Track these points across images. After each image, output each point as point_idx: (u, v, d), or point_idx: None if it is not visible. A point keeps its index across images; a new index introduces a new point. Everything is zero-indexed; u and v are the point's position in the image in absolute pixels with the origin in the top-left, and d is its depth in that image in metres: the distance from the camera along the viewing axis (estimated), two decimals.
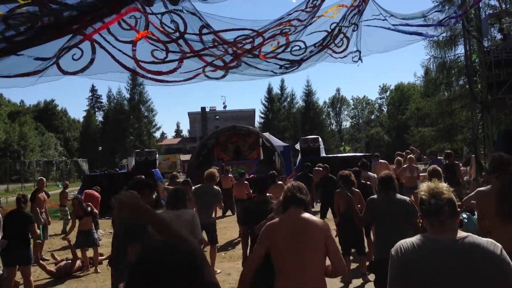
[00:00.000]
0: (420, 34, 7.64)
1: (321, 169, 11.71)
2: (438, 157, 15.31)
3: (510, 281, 2.22)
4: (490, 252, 2.26)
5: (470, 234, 2.42)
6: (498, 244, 2.31)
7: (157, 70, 4.74)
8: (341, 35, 6.69)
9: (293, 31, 5.94)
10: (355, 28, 6.69)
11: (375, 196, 5.43)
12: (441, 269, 2.29)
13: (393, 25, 7.09)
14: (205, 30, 5.05)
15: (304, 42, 6.22)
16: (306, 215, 3.49)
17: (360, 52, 7.12)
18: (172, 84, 5.16)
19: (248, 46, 5.59)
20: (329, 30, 6.30)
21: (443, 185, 2.48)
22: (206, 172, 8.30)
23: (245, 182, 11.89)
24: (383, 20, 6.97)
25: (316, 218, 3.51)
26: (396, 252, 2.47)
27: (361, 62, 7.27)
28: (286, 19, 5.75)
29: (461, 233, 2.39)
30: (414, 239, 2.47)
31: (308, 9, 5.80)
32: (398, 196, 5.20)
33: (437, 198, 2.40)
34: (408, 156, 12.81)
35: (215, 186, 8.19)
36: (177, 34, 4.84)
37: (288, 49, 6.14)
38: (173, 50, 4.89)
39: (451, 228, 2.39)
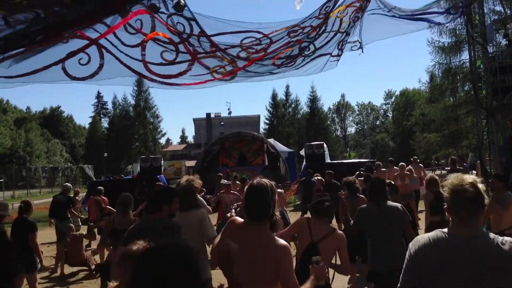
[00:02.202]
0: (425, 20, 7.64)
1: (319, 178, 11.53)
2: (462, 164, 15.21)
3: None
4: (504, 250, 2.24)
5: (487, 231, 2.41)
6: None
7: (167, 74, 4.74)
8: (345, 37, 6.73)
9: (305, 37, 6.01)
10: (356, 20, 6.71)
11: (364, 205, 5.24)
12: (453, 265, 2.30)
13: (399, 14, 7.11)
14: (203, 37, 5.08)
15: (314, 44, 6.26)
16: None
17: (361, 42, 7.13)
18: (182, 87, 5.16)
19: (259, 51, 5.64)
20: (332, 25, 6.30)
21: (468, 181, 2.38)
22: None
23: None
24: (388, 11, 7.01)
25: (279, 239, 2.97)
26: (414, 245, 2.47)
27: (362, 52, 7.26)
28: (301, 26, 5.81)
29: (478, 231, 2.37)
30: (431, 234, 2.45)
31: (321, 16, 5.86)
32: (390, 203, 4.94)
33: (458, 195, 2.36)
34: (400, 164, 12.86)
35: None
36: (185, 35, 4.86)
37: (302, 55, 6.20)
38: (183, 51, 4.91)
39: (469, 225, 2.35)
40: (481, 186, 2.38)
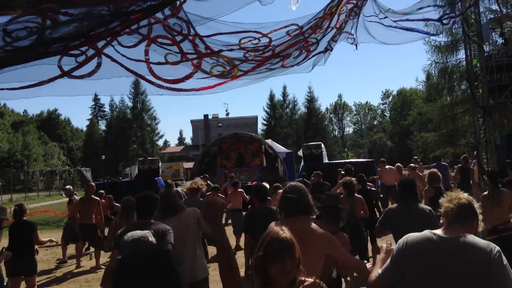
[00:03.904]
0: (419, 31, 7.65)
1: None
2: (442, 162, 15.38)
3: (497, 280, 2.37)
4: (484, 251, 2.44)
5: (472, 235, 2.60)
6: (495, 246, 2.49)
7: (174, 78, 4.67)
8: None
9: (313, 38, 6.01)
10: (353, 17, 6.69)
11: (394, 206, 5.17)
12: (434, 263, 2.51)
13: (394, 21, 7.11)
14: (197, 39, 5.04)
15: (316, 39, 6.26)
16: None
17: (355, 38, 7.11)
18: (192, 93, 5.08)
19: (266, 51, 5.62)
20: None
21: (463, 195, 2.73)
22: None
23: (239, 190, 11.66)
24: (383, 18, 7.01)
25: (319, 229, 3.29)
26: (403, 242, 2.71)
27: (356, 48, 7.26)
28: (307, 26, 5.80)
29: (463, 233, 2.57)
30: (420, 233, 2.70)
31: (326, 16, 5.86)
32: (420, 205, 4.87)
33: (452, 203, 2.66)
34: (396, 165, 12.97)
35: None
36: (179, 37, 4.81)
37: (309, 56, 6.19)
38: (188, 52, 4.85)
39: (457, 229, 2.59)
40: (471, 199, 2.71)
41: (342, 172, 11.28)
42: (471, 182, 12.03)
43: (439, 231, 2.65)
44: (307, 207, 3.35)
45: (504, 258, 2.43)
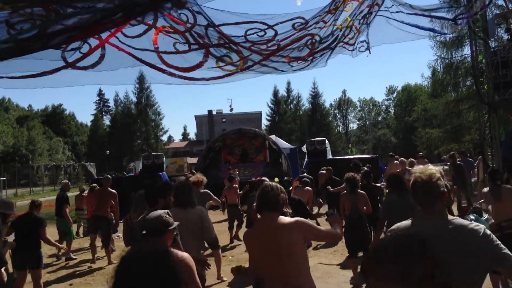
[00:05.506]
0: (431, 30, 7.61)
1: (325, 172, 11.57)
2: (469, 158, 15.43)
3: (491, 254, 2.43)
4: (474, 231, 2.47)
5: (457, 217, 2.67)
6: (481, 225, 2.54)
7: (184, 66, 4.65)
8: (354, 29, 6.68)
9: (318, 35, 6.00)
10: (365, 21, 6.67)
11: (388, 197, 5.82)
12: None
13: (406, 14, 7.05)
14: (210, 29, 5.01)
15: (319, 36, 6.24)
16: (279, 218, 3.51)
17: (368, 42, 7.10)
18: (202, 82, 5.06)
19: (272, 46, 5.61)
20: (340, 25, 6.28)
21: (435, 173, 2.63)
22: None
23: (234, 185, 11.66)
24: (396, 12, 6.96)
25: (286, 219, 3.53)
26: (391, 233, 2.73)
27: (370, 53, 7.25)
28: (312, 21, 5.78)
29: (449, 216, 2.62)
30: (408, 222, 2.72)
31: (332, 10, 5.84)
32: (409, 194, 5.42)
33: (431, 189, 2.60)
34: (401, 159, 12.99)
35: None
36: (189, 25, 4.78)
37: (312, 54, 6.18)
38: (194, 42, 4.83)
39: (439, 213, 2.61)
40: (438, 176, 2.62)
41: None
42: (466, 177, 12.05)
43: (425, 218, 2.66)
44: (276, 204, 3.54)
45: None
